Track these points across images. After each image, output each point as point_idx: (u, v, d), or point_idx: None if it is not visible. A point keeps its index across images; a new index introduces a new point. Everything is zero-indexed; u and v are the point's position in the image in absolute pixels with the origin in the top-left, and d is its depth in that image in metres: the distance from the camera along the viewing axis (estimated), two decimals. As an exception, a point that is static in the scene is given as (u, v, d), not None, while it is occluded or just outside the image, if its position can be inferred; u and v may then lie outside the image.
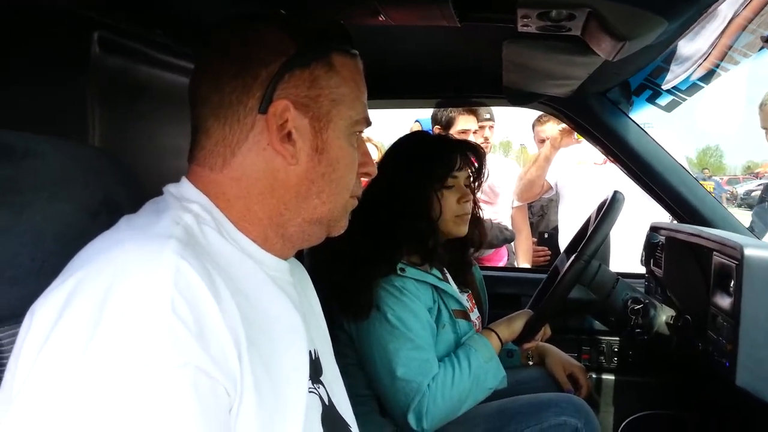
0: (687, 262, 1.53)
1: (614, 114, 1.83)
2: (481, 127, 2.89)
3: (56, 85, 0.98)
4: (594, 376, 2.08)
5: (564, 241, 2.93)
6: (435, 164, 1.52)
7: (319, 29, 0.79)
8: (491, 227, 2.69)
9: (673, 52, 1.63)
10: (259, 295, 0.72)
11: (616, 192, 1.57)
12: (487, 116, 2.90)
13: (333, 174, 0.78)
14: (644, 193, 1.92)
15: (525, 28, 1.03)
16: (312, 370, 0.78)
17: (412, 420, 1.35)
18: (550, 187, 3.01)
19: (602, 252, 1.57)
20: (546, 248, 3.08)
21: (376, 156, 2.95)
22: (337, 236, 0.86)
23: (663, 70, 1.74)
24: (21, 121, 0.90)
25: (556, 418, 1.43)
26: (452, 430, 1.42)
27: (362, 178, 0.87)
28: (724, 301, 1.26)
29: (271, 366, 0.68)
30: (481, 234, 1.70)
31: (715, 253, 1.33)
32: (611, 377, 2.10)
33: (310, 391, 0.76)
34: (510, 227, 2.98)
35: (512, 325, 1.57)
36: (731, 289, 1.23)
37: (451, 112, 2.75)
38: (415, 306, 1.43)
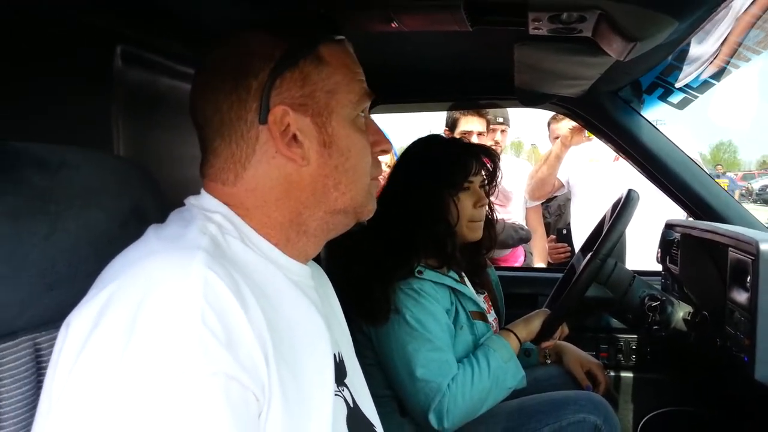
0: (703, 259, 1.54)
1: (626, 112, 1.84)
2: (494, 130, 2.90)
3: (81, 98, 1.01)
4: (612, 373, 2.08)
5: (576, 239, 2.93)
6: (452, 169, 1.53)
7: (300, 25, 0.78)
8: (504, 227, 2.70)
9: (684, 50, 1.63)
10: (283, 300, 0.72)
11: (630, 190, 1.57)
12: (501, 120, 2.91)
13: (346, 163, 0.78)
14: (658, 190, 1.92)
15: (536, 30, 1.04)
16: (337, 373, 0.78)
17: (433, 420, 1.37)
18: (562, 185, 3.01)
19: (618, 250, 1.57)
20: (565, 245, 3.07)
21: (388, 159, 2.95)
22: (354, 239, 0.86)
23: (674, 68, 1.74)
24: (49, 133, 0.92)
25: (576, 416, 1.44)
26: (473, 428, 1.44)
27: (379, 157, 0.85)
28: (741, 297, 1.27)
29: (297, 370, 0.68)
30: (492, 236, 1.71)
31: (730, 248, 1.34)
32: (629, 375, 2.10)
33: (335, 395, 0.76)
34: (525, 227, 2.98)
35: (530, 325, 1.58)
36: (748, 284, 1.24)
37: (454, 114, 2.77)
38: (434, 308, 1.44)
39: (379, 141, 0.84)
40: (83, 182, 0.71)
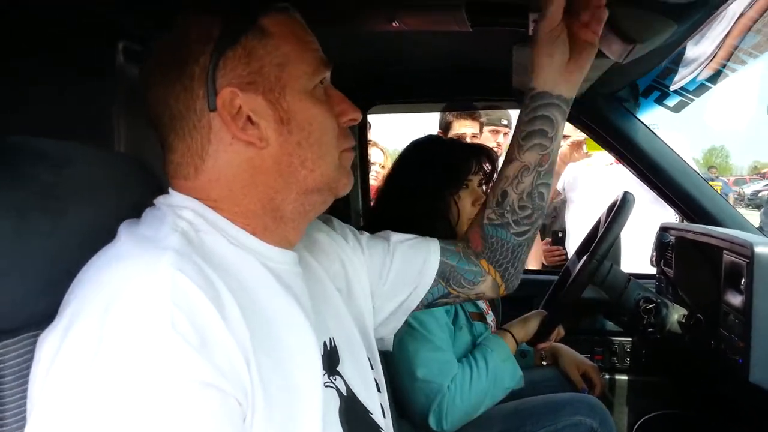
0: (697, 262, 1.55)
1: (623, 115, 1.85)
2: (497, 132, 2.91)
3: (83, 94, 1.01)
4: (607, 376, 2.09)
5: (571, 243, 2.94)
6: (452, 168, 1.54)
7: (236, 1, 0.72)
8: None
9: (681, 53, 1.64)
10: (261, 291, 0.70)
11: (626, 193, 1.58)
12: (504, 122, 2.92)
13: (310, 138, 0.73)
14: (651, 192, 1.93)
15: (536, 32, 1.04)
16: (328, 362, 0.75)
17: (432, 421, 1.36)
18: (558, 193, 3.04)
19: (613, 252, 1.58)
20: (560, 248, 3.08)
21: (382, 160, 2.96)
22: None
23: (671, 71, 1.75)
24: (50, 128, 0.92)
25: (571, 418, 1.44)
26: (469, 431, 1.44)
27: (348, 125, 0.80)
28: (736, 299, 1.28)
29: (281, 366, 0.66)
30: None
31: (725, 251, 1.35)
32: (624, 377, 2.10)
33: (326, 386, 0.74)
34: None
35: (526, 326, 1.59)
36: (742, 287, 1.24)
37: (447, 117, 2.77)
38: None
39: (345, 110, 0.79)
40: (87, 179, 0.70)
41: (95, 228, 0.70)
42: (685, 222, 1.93)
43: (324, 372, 0.74)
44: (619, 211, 1.53)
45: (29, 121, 0.88)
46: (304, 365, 0.70)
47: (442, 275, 1.03)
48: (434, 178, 1.53)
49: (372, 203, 2.06)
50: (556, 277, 1.86)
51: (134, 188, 0.78)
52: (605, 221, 1.61)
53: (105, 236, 0.70)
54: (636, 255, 2.18)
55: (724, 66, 1.66)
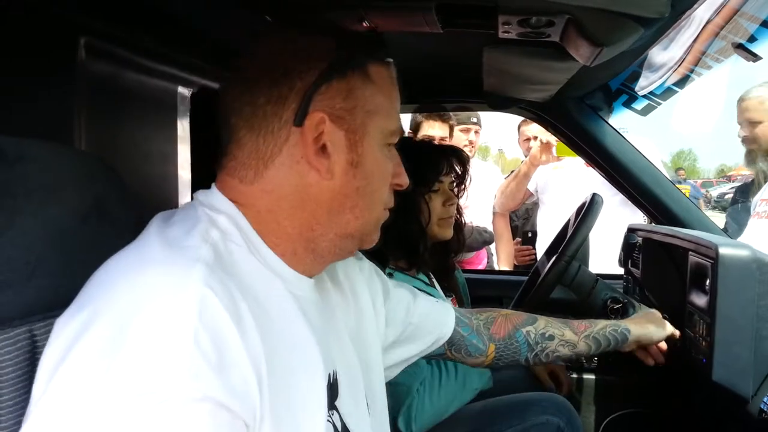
0: (664, 262, 1.57)
1: (592, 118, 1.87)
2: (467, 130, 2.93)
3: (43, 90, 0.98)
4: (575, 375, 2.11)
5: (543, 245, 2.97)
6: (424, 169, 1.54)
7: (356, 37, 0.76)
8: (471, 231, 2.72)
9: (649, 57, 1.66)
10: (282, 316, 0.70)
11: (594, 194, 1.60)
12: (474, 120, 2.94)
13: (368, 188, 0.76)
14: (620, 194, 1.95)
15: (505, 34, 1.05)
16: (329, 396, 0.75)
17: (401, 425, 1.36)
18: (531, 194, 3.07)
19: (582, 253, 1.60)
20: (531, 247, 3.11)
21: None
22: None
23: (639, 75, 1.78)
24: (7, 125, 0.90)
25: (539, 417, 1.45)
26: (437, 431, 1.44)
27: (395, 189, 0.84)
28: (700, 300, 1.29)
29: (291, 394, 0.66)
30: (461, 239, 1.72)
31: (690, 252, 1.37)
32: (591, 377, 2.13)
33: (326, 420, 0.73)
34: (489, 229, 3.01)
35: (495, 326, 1.59)
36: (707, 287, 1.26)
37: (417, 118, 2.79)
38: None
39: (400, 173, 0.83)
40: (42, 176, 0.68)
41: (54, 226, 0.68)
42: (653, 224, 1.96)
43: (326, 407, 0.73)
44: (587, 212, 1.55)
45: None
46: (310, 397, 0.70)
47: (450, 341, 1.14)
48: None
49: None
50: (525, 278, 1.87)
51: (94, 185, 0.76)
52: (574, 222, 1.62)
53: (65, 235, 0.68)
54: (605, 256, 2.21)
55: (691, 71, 1.69)
